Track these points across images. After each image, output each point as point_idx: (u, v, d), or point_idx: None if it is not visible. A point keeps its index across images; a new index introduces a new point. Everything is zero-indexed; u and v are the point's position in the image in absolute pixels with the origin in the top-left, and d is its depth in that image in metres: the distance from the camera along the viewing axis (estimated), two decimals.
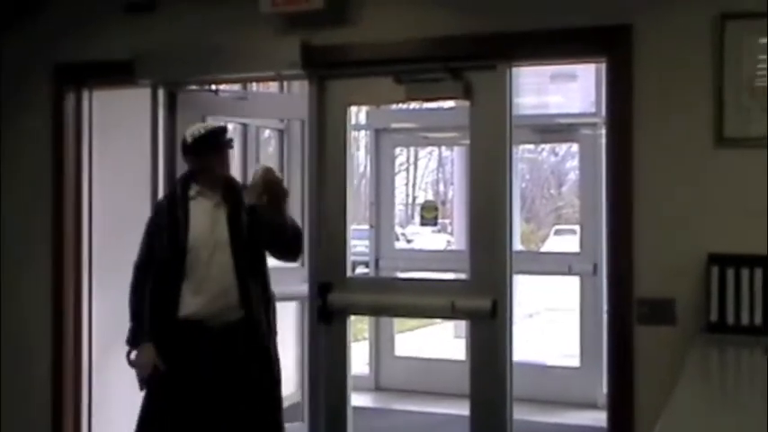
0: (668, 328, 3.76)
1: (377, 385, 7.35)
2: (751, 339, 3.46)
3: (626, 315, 3.85)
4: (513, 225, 4.29)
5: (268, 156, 5.86)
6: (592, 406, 5.84)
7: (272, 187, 3.75)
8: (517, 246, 7.28)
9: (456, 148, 9.05)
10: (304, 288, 4.46)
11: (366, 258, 7.49)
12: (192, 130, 3.93)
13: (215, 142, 3.91)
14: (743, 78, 3.69)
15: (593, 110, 6.97)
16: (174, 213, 3.85)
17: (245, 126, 5.49)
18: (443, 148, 14.62)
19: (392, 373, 7.42)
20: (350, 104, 4.42)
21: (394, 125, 7.63)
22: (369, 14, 4.25)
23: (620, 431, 3.90)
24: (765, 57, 3.68)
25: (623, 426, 3.88)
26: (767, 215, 3.60)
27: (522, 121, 6.53)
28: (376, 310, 5.09)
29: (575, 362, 6.77)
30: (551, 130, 7.27)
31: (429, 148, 16.50)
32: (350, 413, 4.41)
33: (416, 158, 18.80)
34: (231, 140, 4.10)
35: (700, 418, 2.35)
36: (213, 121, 4.31)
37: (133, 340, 3.82)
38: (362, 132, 8.30)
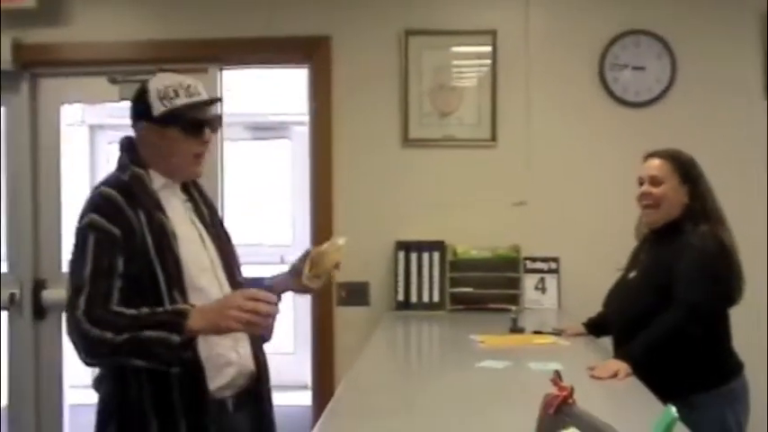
0: (363, 309, 4.24)
1: None
2: (431, 314, 4.03)
3: (327, 299, 4.28)
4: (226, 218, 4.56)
5: None
6: (303, 387, 6.23)
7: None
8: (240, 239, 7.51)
9: None
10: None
11: None
12: (170, 82, 2.37)
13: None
14: (423, 88, 4.23)
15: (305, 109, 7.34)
16: (151, 213, 2.28)
17: None
18: None
19: None
20: (63, 103, 4.52)
21: (110, 121, 7.62)
22: (83, 15, 4.37)
23: (322, 405, 4.30)
24: (441, 69, 4.24)
25: (325, 400, 4.27)
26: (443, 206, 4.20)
27: (235, 120, 6.79)
28: None
29: (289, 348, 7.15)
30: (266, 127, 7.60)
31: None
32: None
33: None
34: None
35: (379, 377, 2.78)
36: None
37: (176, 327, 2.12)
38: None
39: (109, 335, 2.11)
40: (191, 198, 2.46)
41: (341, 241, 2.48)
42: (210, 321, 2.14)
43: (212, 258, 2.40)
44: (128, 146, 2.42)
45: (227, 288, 2.38)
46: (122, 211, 2.23)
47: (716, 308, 2.88)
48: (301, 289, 2.51)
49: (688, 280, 2.80)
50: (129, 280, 2.19)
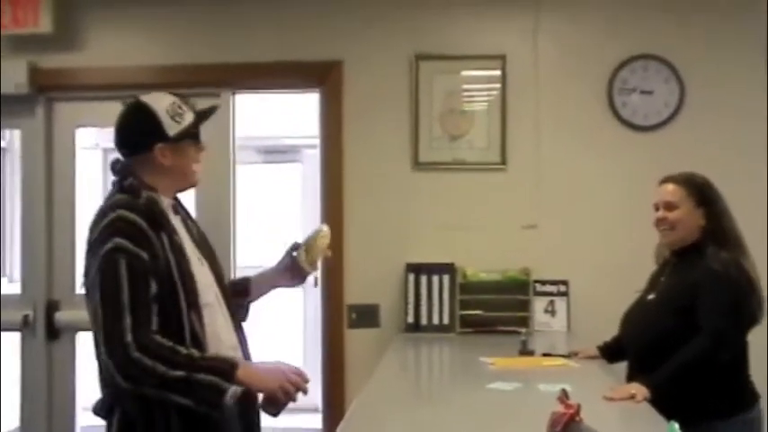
0: (374, 331, 4.26)
1: None
2: (441, 336, 4.04)
3: (337, 321, 4.30)
4: (238, 240, 4.59)
5: None
6: (313, 410, 6.24)
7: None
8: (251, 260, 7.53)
9: None
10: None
11: None
12: (171, 100, 2.43)
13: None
14: (433, 112, 4.27)
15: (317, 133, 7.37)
16: (171, 236, 2.34)
17: None
18: None
19: None
20: (78, 126, 4.58)
21: None
22: (97, 41, 4.45)
23: (333, 428, 4.31)
24: (452, 93, 4.28)
25: (335, 423, 4.28)
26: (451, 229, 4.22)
27: (248, 143, 6.83)
28: None
29: None
30: (277, 150, 7.63)
31: None
32: None
33: None
34: None
35: (389, 399, 2.79)
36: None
37: (228, 376, 2.21)
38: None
39: (161, 367, 2.14)
40: (180, 215, 2.49)
41: (325, 228, 2.72)
42: (258, 378, 2.26)
43: (210, 279, 2.45)
44: (128, 169, 2.42)
45: (224, 302, 2.46)
46: (146, 235, 2.26)
47: (741, 335, 2.86)
48: (290, 283, 2.71)
49: (713, 308, 2.78)
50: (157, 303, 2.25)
